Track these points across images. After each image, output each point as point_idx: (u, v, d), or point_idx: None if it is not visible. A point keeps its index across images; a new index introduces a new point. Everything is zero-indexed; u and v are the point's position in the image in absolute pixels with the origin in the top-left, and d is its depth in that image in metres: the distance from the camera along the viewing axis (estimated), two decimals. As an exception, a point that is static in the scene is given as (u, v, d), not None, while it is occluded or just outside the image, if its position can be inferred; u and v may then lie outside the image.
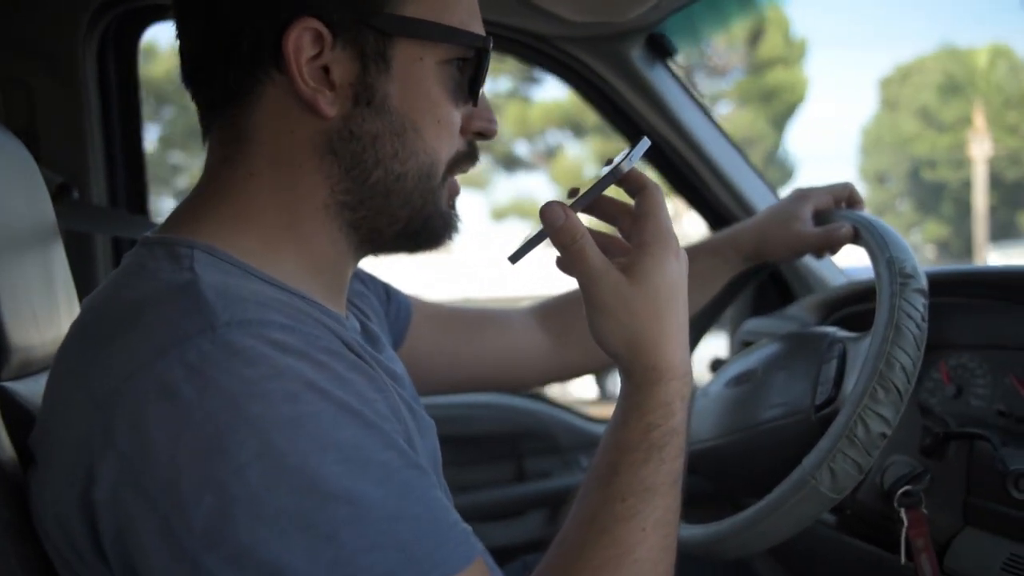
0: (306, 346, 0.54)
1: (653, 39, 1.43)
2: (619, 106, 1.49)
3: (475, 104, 0.69)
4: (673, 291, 0.64)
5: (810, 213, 1.03)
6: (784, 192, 1.52)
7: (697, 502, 1.21)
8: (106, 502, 0.51)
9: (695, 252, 1.06)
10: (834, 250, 1.02)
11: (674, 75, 1.48)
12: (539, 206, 0.65)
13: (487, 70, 0.68)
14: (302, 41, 0.60)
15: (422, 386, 0.96)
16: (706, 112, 1.50)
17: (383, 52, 0.62)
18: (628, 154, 0.66)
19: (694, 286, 1.04)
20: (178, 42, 0.65)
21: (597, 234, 0.69)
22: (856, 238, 0.95)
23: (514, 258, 0.67)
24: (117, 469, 0.51)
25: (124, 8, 1.38)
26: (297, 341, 0.54)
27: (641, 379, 0.63)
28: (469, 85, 0.67)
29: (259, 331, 0.53)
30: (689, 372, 0.65)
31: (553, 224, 0.62)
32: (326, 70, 0.61)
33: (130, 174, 1.46)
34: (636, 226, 0.65)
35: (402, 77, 0.63)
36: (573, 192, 0.71)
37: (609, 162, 0.68)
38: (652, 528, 0.60)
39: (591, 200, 0.67)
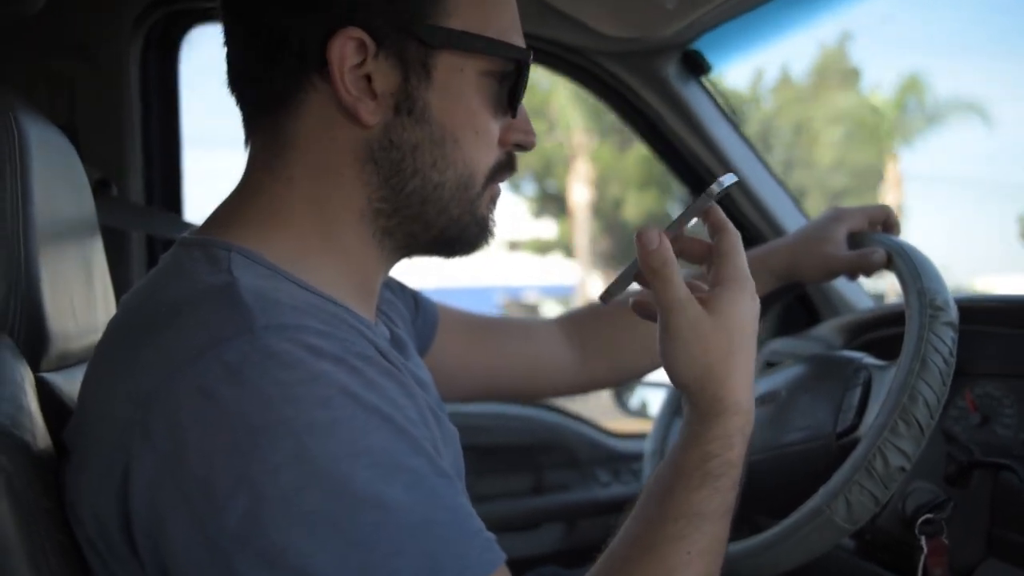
0: (341, 351, 0.55)
1: (688, 56, 1.43)
2: (651, 121, 1.49)
3: (514, 116, 0.70)
4: (747, 330, 0.65)
5: (844, 235, 1.02)
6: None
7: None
8: (141, 498, 0.52)
9: None
10: (867, 274, 1.01)
11: (708, 92, 1.48)
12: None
13: (527, 82, 0.69)
14: (346, 50, 0.61)
15: (446, 394, 0.97)
16: (738, 130, 1.50)
17: (425, 62, 0.63)
18: (719, 184, 0.67)
19: None
20: (225, 48, 0.67)
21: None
22: (889, 264, 0.94)
23: (606, 297, 0.69)
24: (153, 467, 0.52)
25: (169, 10, 1.41)
26: (332, 346, 0.55)
27: (706, 410, 0.64)
28: (508, 97, 0.68)
29: (295, 335, 0.54)
30: (751, 410, 0.65)
31: (647, 246, 0.63)
32: (368, 79, 0.63)
33: (167, 172, 1.48)
34: (716, 265, 0.66)
35: (443, 88, 0.64)
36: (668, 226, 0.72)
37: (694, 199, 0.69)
38: (698, 555, 0.61)
39: (681, 226, 0.68)
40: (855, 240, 1.02)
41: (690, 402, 0.65)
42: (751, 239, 1.51)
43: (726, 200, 1.51)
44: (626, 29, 1.34)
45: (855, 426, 0.87)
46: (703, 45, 1.42)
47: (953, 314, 0.82)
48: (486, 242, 0.72)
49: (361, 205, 0.66)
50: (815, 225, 1.05)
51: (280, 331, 0.54)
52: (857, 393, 0.89)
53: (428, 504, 0.53)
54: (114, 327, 0.63)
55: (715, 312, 0.63)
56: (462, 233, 0.70)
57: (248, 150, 0.68)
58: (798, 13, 1.40)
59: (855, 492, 0.76)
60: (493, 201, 0.71)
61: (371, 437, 0.52)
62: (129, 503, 0.53)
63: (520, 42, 0.69)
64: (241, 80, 0.66)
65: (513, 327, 1.11)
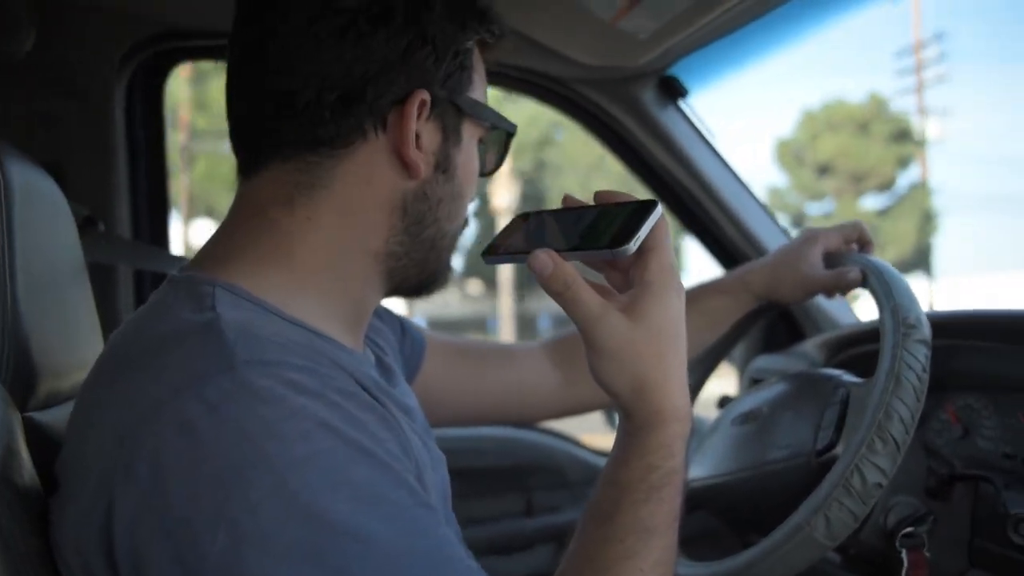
0: (321, 387, 0.56)
1: (665, 81, 1.46)
2: (631, 146, 1.51)
3: (485, 174, 0.78)
4: (675, 330, 0.63)
5: (820, 255, 1.04)
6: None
7: (704, 539, 1.22)
8: (124, 535, 0.53)
9: (705, 291, 1.09)
10: (843, 292, 1.03)
11: (685, 116, 1.50)
12: None
13: (509, 149, 0.79)
14: (413, 110, 0.66)
15: (433, 419, 0.97)
16: (716, 153, 1.53)
17: (458, 127, 0.71)
18: (636, 232, 0.61)
19: (704, 324, 1.07)
20: (254, 72, 0.67)
21: (588, 282, 0.68)
22: (864, 283, 0.96)
23: (488, 259, 0.68)
24: (135, 503, 0.52)
25: (153, 50, 1.43)
26: (312, 382, 0.55)
27: (643, 421, 0.62)
28: (491, 161, 0.78)
29: (276, 371, 0.55)
30: (689, 413, 0.64)
31: (542, 274, 0.61)
32: (416, 137, 0.68)
33: (154, 208, 1.50)
34: (639, 262, 0.63)
35: (465, 150, 0.72)
36: (567, 200, 0.70)
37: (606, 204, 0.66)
38: (650, 568, 0.60)
39: (584, 260, 0.64)
40: (831, 260, 1.04)
41: (626, 414, 0.64)
42: (734, 261, 1.53)
43: (709, 223, 1.53)
44: (603, 58, 1.37)
45: (834, 443, 0.88)
46: (680, 70, 1.44)
47: (925, 331, 0.83)
48: (444, 286, 0.78)
49: (377, 247, 0.69)
50: (791, 246, 1.08)
51: (261, 367, 0.55)
52: (835, 411, 0.90)
53: (409, 535, 0.53)
54: (101, 364, 0.64)
55: (638, 318, 0.61)
56: (439, 277, 0.76)
57: (249, 181, 0.69)
58: (772, 36, 1.43)
59: (834, 509, 0.77)
60: (453, 249, 0.77)
61: (351, 470, 0.53)
62: (112, 539, 0.53)
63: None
64: (280, 114, 0.66)
65: (497, 352, 1.12)
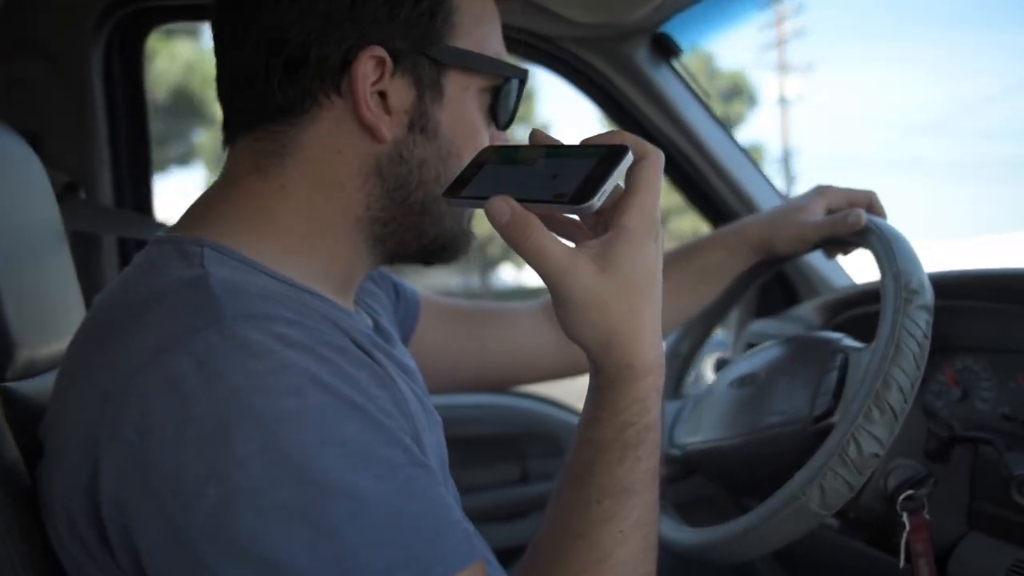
0: (312, 341, 0.54)
1: (657, 39, 1.43)
2: (624, 106, 1.49)
3: (504, 128, 0.72)
4: (650, 280, 0.58)
5: (822, 208, 1.00)
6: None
7: (700, 504, 1.21)
8: (111, 493, 0.52)
9: (702, 245, 1.06)
10: (843, 247, 1.00)
11: (679, 75, 1.48)
12: None
13: (521, 98, 0.72)
14: (368, 68, 0.63)
15: (431, 382, 0.96)
16: (711, 112, 1.50)
17: (437, 81, 0.66)
18: (600, 186, 0.55)
19: (702, 280, 1.04)
20: (217, 50, 0.66)
21: (557, 218, 0.63)
22: (865, 242, 0.93)
23: (451, 200, 0.62)
24: (122, 460, 0.51)
25: (130, 9, 1.39)
26: (303, 336, 0.54)
27: (615, 376, 0.59)
28: (503, 111, 0.71)
29: (266, 325, 0.53)
30: (663, 364, 0.61)
31: (499, 222, 0.56)
32: (383, 96, 0.64)
33: (136, 174, 1.46)
34: (619, 204, 0.58)
35: (451, 105, 0.67)
36: (535, 136, 0.64)
37: (583, 146, 0.60)
38: (631, 529, 0.59)
39: (546, 212, 0.58)
40: (839, 218, 0.99)
41: (597, 368, 0.60)
42: (728, 221, 1.51)
43: (702, 184, 1.51)
44: (594, 15, 1.33)
45: (831, 410, 0.87)
46: (672, 28, 1.41)
47: (928, 297, 0.81)
48: (464, 254, 0.73)
49: (358, 213, 0.66)
50: (794, 200, 1.04)
51: (250, 320, 0.53)
52: (834, 376, 0.89)
53: (402, 494, 0.52)
54: (87, 324, 0.62)
55: (612, 266, 0.56)
56: (450, 243, 0.71)
57: (230, 151, 0.68)
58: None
59: (829, 479, 0.75)
60: (471, 215, 0.73)
61: (343, 427, 0.52)
62: (99, 498, 0.52)
63: (507, 56, 0.71)
64: (238, 85, 0.65)
65: (494, 313, 1.10)
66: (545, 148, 0.62)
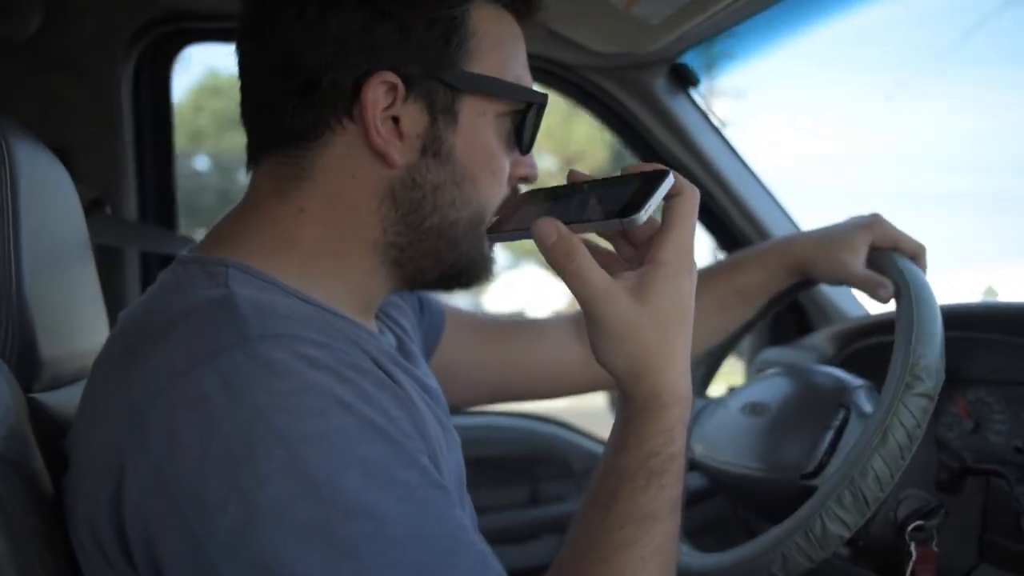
0: (336, 362, 0.55)
1: (676, 69, 1.45)
2: (641, 135, 1.50)
3: (524, 153, 0.71)
4: (683, 314, 0.60)
5: (866, 245, 0.96)
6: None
7: (709, 529, 1.21)
8: (135, 507, 0.53)
9: (740, 265, 1.04)
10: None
11: (695, 105, 1.49)
12: None
13: (540, 122, 0.71)
14: (378, 93, 0.62)
15: (455, 396, 0.95)
16: (727, 142, 1.51)
17: (451, 106, 0.65)
18: (646, 202, 0.58)
19: (738, 301, 1.03)
20: (240, 75, 0.67)
21: (597, 249, 0.66)
22: (896, 300, 0.89)
23: (492, 236, 0.65)
24: (147, 475, 0.52)
25: (163, 30, 1.42)
26: (327, 357, 0.55)
27: (643, 406, 0.61)
28: (522, 136, 0.70)
29: (291, 345, 0.54)
30: (690, 396, 0.63)
31: (544, 243, 0.58)
32: (395, 120, 0.64)
33: (161, 191, 1.49)
34: (655, 239, 0.60)
35: (466, 131, 0.66)
36: (573, 176, 0.67)
37: (626, 173, 0.63)
38: (651, 556, 0.59)
39: (593, 231, 0.61)
40: (875, 258, 0.96)
41: (626, 397, 0.62)
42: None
43: (719, 212, 1.52)
44: (614, 45, 1.35)
45: (819, 470, 0.88)
46: (690, 58, 1.43)
47: (931, 383, 0.78)
48: (488, 278, 0.73)
49: (375, 237, 0.67)
50: (842, 227, 0.99)
51: (276, 340, 0.54)
52: (829, 437, 0.89)
53: (419, 516, 0.53)
54: (114, 340, 0.63)
55: (645, 300, 0.58)
56: (469, 268, 0.71)
57: (252, 173, 0.69)
58: (783, 25, 1.42)
59: (791, 549, 0.77)
60: (493, 241, 0.72)
61: (364, 448, 0.52)
62: (123, 512, 0.53)
63: (530, 82, 0.71)
64: (258, 109, 0.67)
65: (521, 326, 1.09)
66: (584, 183, 0.64)
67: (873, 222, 0.97)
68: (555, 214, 0.61)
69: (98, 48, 1.37)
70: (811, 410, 0.95)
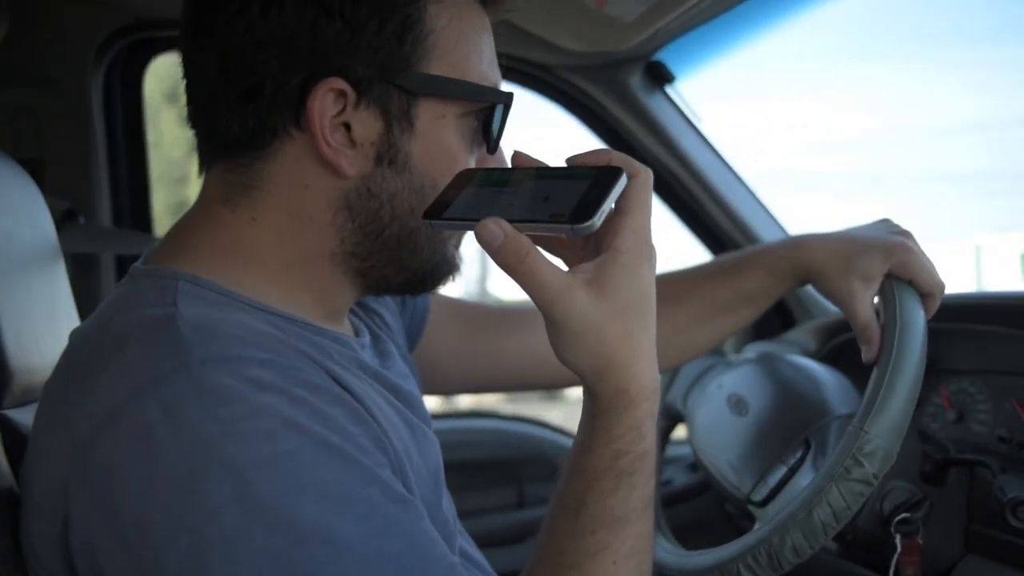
0: (285, 381, 0.53)
1: (652, 67, 1.45)
2: (619, 133, 1.50)
3: (490, 152, 0.68)
4: (645, 304, 0.56)
5: (882, 274, 0.84)
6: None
7: (700, 527, 1.21)
8: (82, 543, 0.51)
9: (747, 268, 0.96)
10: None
11: (672, 102, 1.49)
12: None
13: (506, 121, 0.67)
14: (326, 101, 0.59)
15: (441, 384, 0.92)
16: (705, 139, 1.51)
17: (407, 111, 0.61)
18: (599, 206, 0.53)
19: (743, 303, 0.97)
20: (185, 81, 0.64)
21: (550, 238, 0.61)
22: (879, 351, 0.81)
23: (431, 223, 0.59)
24: (92, 511, 0.50)
25: (130, 40, 1.41)
26: (275, 376, 0.52)
27: (609, 404, 0.57)
28: (491, 135, 0.66)
29: (235, 368, 0.52)
30: (657, 390, 0.59)
31: (491, 246, 0.53)
32: (347, 127, 0.60)
33: (135, 201, 1.48)
34: (610, 226, 0.56)
35: (424, 135, 0.62)
36: (518, 158, 0.61)
37: (571, 168, 0.58)
38: (623, 559, 0.57)
39: (541, 233, 0.56)
40: (883, 286, 0.85)
41: (591, 394, 0.58)
42: (725, 247, 1.51)
43: (698, 210, 1.52)
44: (589, 43, 1.35)
45: (765, 502, 0.89)
46: (666, 56, 1.43)
47: (873, 469, 0.73)
48: (453, 279, 0.70)
49: (332, 247, 0.64)
50: (864, 242, 0.87)
51: (219, 364, 0.52)
52: (782, 473, 0.89)
53: (381, 535, 0.51)
54: (62, 363, 0.60)
55: (605, 294, 0.54)
56: (433, 273, 0.68)
57: (204, 178, 0.66)
58: (758, 20, 1.42)
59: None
60: (460, 238, 0.70)
61: (318, 470, 0.50)
62: (71, 549, 0.51)
63: (498, 77, 0.67)
64: (203, 115, 0.63)
65: (511, 315, 1.04)
66: (530, 170, 0.59)
67: (896, 247, 0.84)
68: (500, 206, 0.57)
69: (67, 58, 1.36)
70: (776, 433, 0.94)
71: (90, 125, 1.38)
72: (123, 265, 1.45)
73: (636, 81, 1.45)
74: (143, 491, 0.49)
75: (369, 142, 0.61)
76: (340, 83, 0.59)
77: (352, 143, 0.61)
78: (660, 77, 1.46)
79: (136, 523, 0.49)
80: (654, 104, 1.47)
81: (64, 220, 1.31)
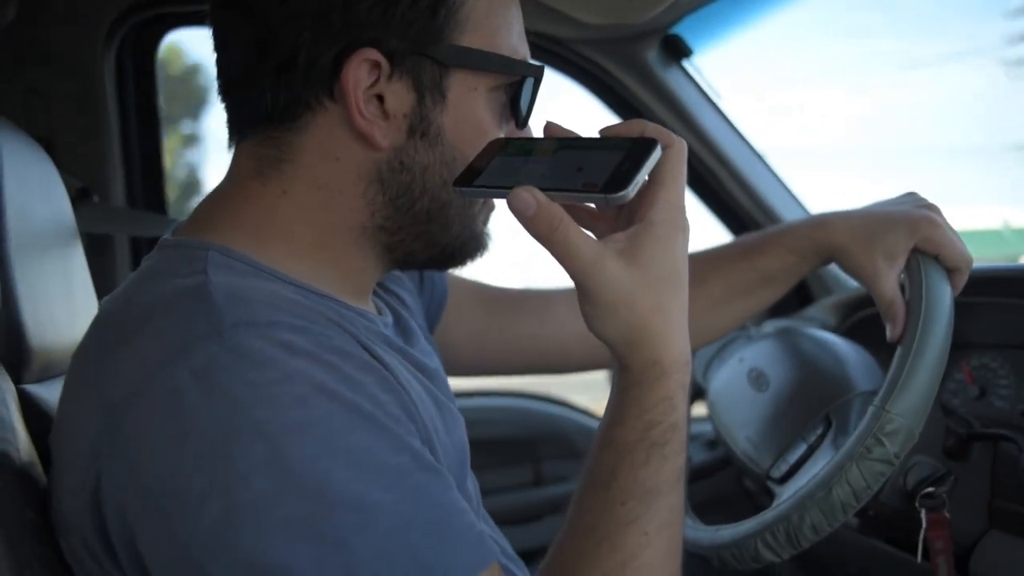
0: (316, 347, 0.53)
1: (669, 40, 1.43)
2: (635, 108, 1.48)
3: (520, 127, 0.68)
4: (678, 275, 0.57)
5: (907, 251, 0.82)
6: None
7: (716, 504, 1.21)
8: (114, 506, 0.51)
9: (770, 248, 0.95)
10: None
11: (690, 76, 1.47)
12: None
13: (537, 95, 0.67)
14: (360, 72, 0.59)
15: (459, 366, 0.92)
16: (723, 114, 1.50)
17: (440, 83, 0.62)
18: (634, 176, 0.54)
19: (767, 284, 0.96)
20: (215, 49, 0.64)
21: (578, 208, 0.62)
22: (904, 327, 0.79)
23: (462, 190, 0.60)
24: (124, 474, 0.50)
25: (142, 17, 1.40)
26: (306, 342, 0.53)
27: (641, 375, 0.57)
28: (520, 109, 0.66)
29: (267, 332, 0.52)
30: (689, 361, 0.59)
31: (524, 214, 0.54)
32: (379, 99, 0.61)
33: (148, 179, 1.47)
34: (644, 196, 0.56)
35: (456, 107, 0.63)
36: (550, 129, 0.63)
37: (605, 139, 0.58)
38: (656, 531, 0.57)
39: (574, 202, 0.56)
40: (911, 265, 0.82)
41: (622, 366, 0.58)
42: (744, 226, 1.50)
43: (716, 186, 1.51)
44: (605, 16, 1.33)
45: (785, 478, 0.89)
46: (683, 29, 1.41)
47: (895, 448, 0.72)
48: (481, 255, 0.70)
49: (362, 221, 0.64)
50: (888, 218, 0.85)
51: (251, 328, 0.52)
52: (802, 450, 0.89)
53: (411, 503, 0.51)
54: (92, 333, 0.61)
55: (637, 264, 0.55)
56: (461, 248, 0.69)
57: (233, 153, 0.66)
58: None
59: (727, 558, 0.80)
60: (489, 214, 0.70)
61: (349, 436, 0.50)
62: (104, 513, 0.52)
63: (527, 52, 0.67)
64: (236, 88, 0.63)
65: (530, 298, 1.04)
66: (562, 140, 0.60)
67: (920, 221, 0.82)
68: (532, 175, 0.57)
69: (77, 36, 1.35)
70: (797, 409, 0.94)
71: (102, 105, 1.37)
72: (137, 245, 1.45)
73: (653, 55, 1.43)
74: (174, 454, 0.49)
75: (402, 114, 0.61)
76: (374, 54, 0.59)
77: (385, 115, 0.61)
78: (677, 51, 1.43)
79: (167, 487, 0.49)
80: (672, 79, 1.45)
81: (78, 198, 1.31)
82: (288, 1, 0.59)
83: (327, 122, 0.61)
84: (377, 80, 0.60)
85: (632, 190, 0.53)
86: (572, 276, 0.56)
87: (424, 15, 0.60)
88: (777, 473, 0.90)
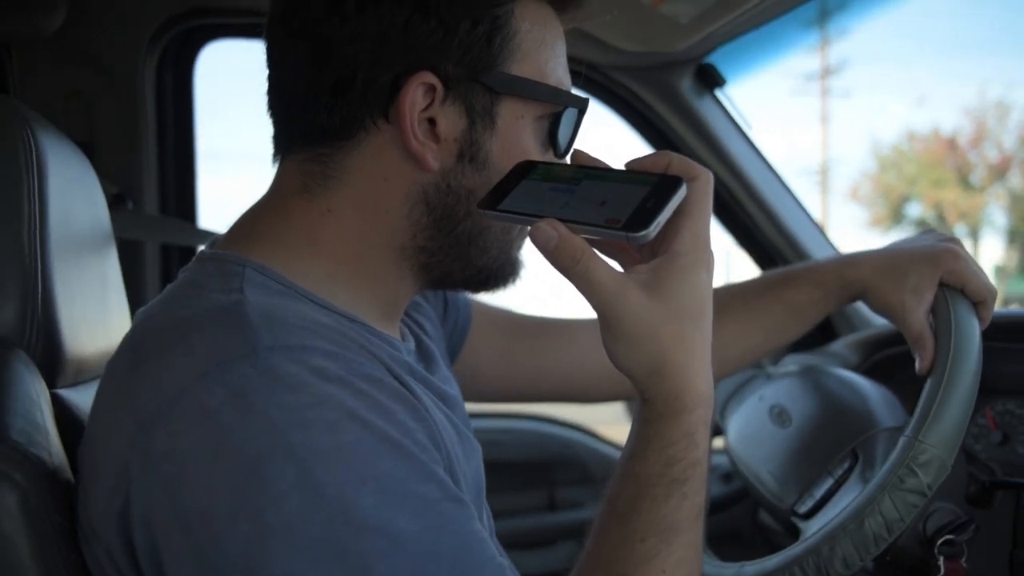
0: (348, 373, 0.53)
1: (702, 69, 1.43)
2: (667, 136, 1.49)
3: (560, 157, 0.69)
4: (702, 308, 0.56)
5: (933, 286, 0.83)
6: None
7: (728, 538, 1.20)
8: (142, 522, 0.51)
9: (797, 282, 0.95)
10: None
11: (722, 106, 1.47)
12: None
13: (580, 127, 0.68)
14: (417, 95, 0.60)
15: (482, 394, 0.92)
16: (753, 145, 1.50)
17: (490, 109, 0.63)
18: (656, 216, 0.54)
19: (792, 318, 0.96)
20: (268, 66, 0.65)
21: (600, 241, 0.62)
22: (934, 361, 0.79)
23: (487, 212, 0.60)
24: (154, 490, 0.51)
25: (184, 27, 1.42)
26: (339, 368, 0.53)
27: (663, 409, 0.57)
28: (561, 140, 0.67)
29: (301, 357, 0.52)
30: (712, 395, 0.59)
31: (546, 248, 0.55)
32: (431, 122, 0.62)
33: (181, 187, 1.49)
34: (670, 227, 0.56)
35: (503, 134, 0.64)
36: (579, 157, 0.63)
37: (632, 172, 0.59)
38: (672, 568, 0.57)
39: (595, 236, 0.56)
40: (938, 298, 0.83)
41: (644, 399, 0.58)
42: (771, 260, 1.50)
43: (744, 217, 1.50)
44: (641, 44, 1.34)
45: (811, 514, 0.88)
46: (717, 59, 1.41)
47: (928, 479, 0.72)
48: (515, 281, 0.71)
49: (403, 241, 0.65)
50: (911, 255, 0.86)
51: (286, 352, 0.52)
52: (828, 484, 0.88)
53: (436, 531, 0.51)
54: (127, 344, 0.62)
55: (660, 296, 0.55)
56: (497, 273, 0.69)
57: (278, 168, 0.67)
58: (809, 26, 1.40)
59: None
60: (523, 241, 0.70)
61: (378, 463, 0.51)
62: (131, 526, 0.52)
63: (570, 83, 0.69)
64: (288, 104, 0.64)
65: (554, 327, 1.04)
66: (589, 170, 0.60)
67: (944, 255, 0.84)
68: (555, 205, 0.57)
69: (121, 44, 1.37)
70: (822, 444, 0.93)
71: (141, 112, 1.40)
72: (168, 253, 1.46)
73: (687, 84, 1.44)
74: (206, 474, 0.49)
75: (452, 138, 0.63)
76: (431, 78, 0.60)
77: (436, 138, 0.62)
78: (711, 80, 1.44)
79: (197, 505, 0.49)
80: (704, 108, 1.45)
81: (113, 204, 1.33)
82: (349, 20, 0.60)
83: (379, 142, 0.62)
84: (431, 103, 0.61)
85: (653, 230, 0.54)
86: (594, 307, 0.56)
87: (481, 42, 0.61)
88: (803, 508, 0.89)
